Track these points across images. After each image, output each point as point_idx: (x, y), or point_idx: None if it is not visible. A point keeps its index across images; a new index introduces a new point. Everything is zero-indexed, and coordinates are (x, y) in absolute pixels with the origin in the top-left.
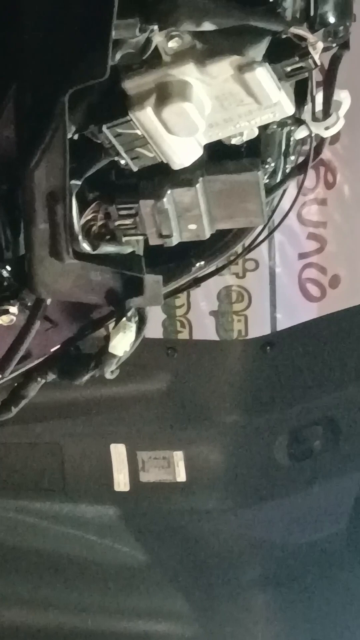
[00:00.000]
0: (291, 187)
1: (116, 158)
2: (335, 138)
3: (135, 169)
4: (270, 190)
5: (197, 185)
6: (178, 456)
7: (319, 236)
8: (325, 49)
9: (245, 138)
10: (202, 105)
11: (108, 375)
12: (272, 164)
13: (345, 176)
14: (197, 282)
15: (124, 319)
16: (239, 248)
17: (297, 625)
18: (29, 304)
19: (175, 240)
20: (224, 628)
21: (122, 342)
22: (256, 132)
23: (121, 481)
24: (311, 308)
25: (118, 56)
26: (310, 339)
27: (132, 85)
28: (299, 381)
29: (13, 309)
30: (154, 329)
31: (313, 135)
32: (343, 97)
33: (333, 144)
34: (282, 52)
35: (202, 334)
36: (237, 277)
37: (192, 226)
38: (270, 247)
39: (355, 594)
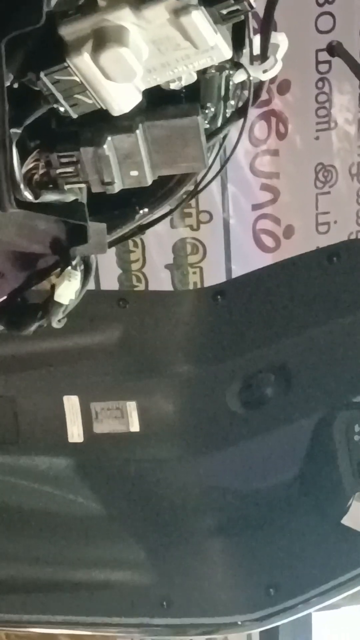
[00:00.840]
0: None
1: (55, 105)
2: (285, 89)
3: (74, 116)
4: (211, 135)
5: (137, 131)
6: (131, 406)
7: (272, 187)
8: None
9: (183, 83)
10: (139, 50)
11: (55, 325)
12: (212, 109)
13: (297, 126)
14: (141, 229)
15: (69, 267)
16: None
17: (253, 571)
18: None
19: (117, 187)
20: (180, 575)
21: (68, 291)
22: (195, 77)
23: (75, 432)
24: (266, 258)
25: (53, 2)
26: (262, 286)
27: (68, 31)
28: (250, 329)
29: None
30: (110, 284)
31: (251, 78)
32: (280, 39)
33: (283, 94)
34: None
35: (158, 287)
36: (191, 230)
37: (134, 173)
38: (223, 199)
39: (310, 539)
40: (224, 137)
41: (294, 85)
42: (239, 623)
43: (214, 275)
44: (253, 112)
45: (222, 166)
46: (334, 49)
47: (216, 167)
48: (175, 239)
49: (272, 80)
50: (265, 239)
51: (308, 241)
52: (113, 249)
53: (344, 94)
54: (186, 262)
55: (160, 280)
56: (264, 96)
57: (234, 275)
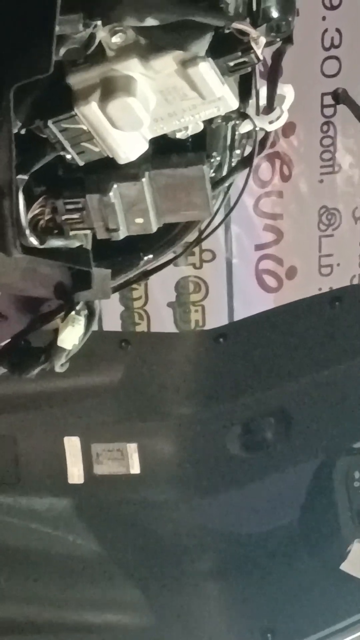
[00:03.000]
0: (251, 183)
1: (62, 153)
2: (290, 131)
3: (81, 163)
4: (216, 184)
5: (143, 180)
6: (132, 448)
7: (275, 228)
8: (268, 44)
9: (190, 132)
10: (146, 99)
11: (58, 369)
12: (218, 158)
13: (301, 169)
14: (146, 275)
15: (73, 312)
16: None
17: (251, 615)
18: None
19: (122, 234)
20: (177, 618)
21: (71, 336)
22: (201, 126)
23: (75, 474)
24: (268, 298)
25: (62, 51)
26: (264, 330)
27: (76, 80)
28: (251, 372)
29: None
30: (113, 322)
31: (258, 129)
32: (286, 91)
33: (288, 137)
34: (225, 47)
35: (160, 326)
36: (194, 268)
37: (139, 220)
38: (227, 238)
39: (306, 585)
40: (229, 186)
41: (299, 128)
42: None
43: (216, 314)
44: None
45: (227, 214)
46: (339, 96)
47: (220, 213)
48: (178, 277)
49: None
50: (268, 279)
51: (310, 283)
52: None
53: (349, 137)
54: (188, 300)
55: (162, 318)
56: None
57: (235, 315)
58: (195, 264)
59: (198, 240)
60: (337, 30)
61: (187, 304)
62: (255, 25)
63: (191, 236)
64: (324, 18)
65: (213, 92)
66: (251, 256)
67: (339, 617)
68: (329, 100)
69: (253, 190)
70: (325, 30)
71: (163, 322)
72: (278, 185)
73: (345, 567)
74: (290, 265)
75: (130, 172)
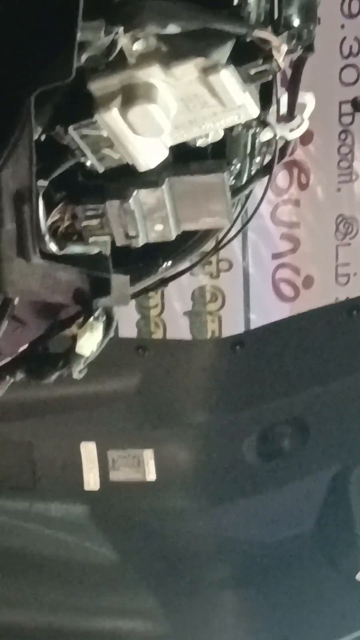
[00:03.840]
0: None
1: (82, 159)
2: (308, 139)
3: (101, 170)
4: (236, 191)
5: (163, 187)
6: (148, 455)
7: (292, 237)
8: (289, 52)
9: (210, 140)
10: (167, 106)
11: (76, 375)
12: (238, 166)
13: (318, 177)
14: (164, 282)
15: (91, 318)
16: (207, 248)
17: (266, 625)
18: None
19: (141, 241)
20: (192, 627)
21: (89, 342)
22: (221, 134)
23: (91, 480)
24: (284, 308)
25: (84, 58)
26: (280, 338)
27: (97, 86)
28: (268, 381)
29: None
30: (129, 330)
31: (278, 137)
32: (307, 99)
33: (306, 145)
34: (246, 54)
35: (176, 334)
36: (211, 277)
37: (159, 227)
38: (244, 247)
39: (323, 594)
40: (249, 194)
41: (316, 136)
42: None
43: (233, 324)
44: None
45: (245, 224)
46: (359, 105)
47: (239, 222)
48: (195, 286)
49: None
50: (285, 288)
51: (327, 292)
52: None
53: None
54: (205, 309)
55: (178, 327)
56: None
57: (252, 324)
58: (212, 274)
59: (216, 248)
60: (356, 38)
61: (204, 313)
62: (276, 33)
63: (209, 244)
64: (342, 26)
65: (234, 99)
66: (268, 265)
67: (355, 627)
68: (347, 108)
69: (270, 198)
70: (344, 39)
71: (179, 331)
72: (295, 194)
73: None
74: (307, 274)
75: (150, 179)
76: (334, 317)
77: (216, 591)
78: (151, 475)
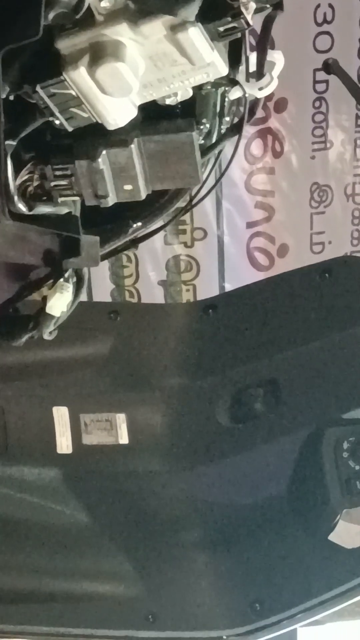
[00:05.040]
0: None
1: (51, 118)
2: (282, 107)
3: (70, 129)
4: (205, 150)
5: (132, 146)
6: (121, 418)
7: (267, 205)
8: (258, 10)
9: (179, 98)
10: (135, 65)
11: (46, 336)
12: (207, 125)
13: (293, 145)
14: (134, 243)
15: (61, 279)
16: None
17: (239, 586)
18: None
19: (111, 201)
20: (166, 589)
21: (59, 303)
22: (190, 93)
23: (64, 444)
24: (259, 277)
25: (51, 16)
26: (253, 301)
27: (65, 45)
28: (241, 344)
29: None
30: (103, 299)
31: (247, 95)
32: (276, 57)
33: (280, 113)
34: (214, 12)
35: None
36: (186, 247)
37: (128, 187)
38: (218, 216)
39: (296, 555)
40: (219, 153)
41: (290, 104)
42: (224, 638)
43: (207, 293)
44: (249, 130)
45: (217, 182)
46: (330, 67)
47: (210, 182)
48: (169, 255)
49: (268, 98)
50: (259, 257)
51: (302, 260)
52: (106, 264)
53: (341, 114)
54: (180, 279)
55: (153, 297)
56: (260, 114)
57: None
58: (186, 243)
59: (187, 208)
60: (330, 5)
61: (178, 282)
62: None
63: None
64: None
65: (202, 57)
66: (242, 234)
67: (327, 587)
68: (321, 75)
69: (244, 166)
70: (318, 6)
71: (154, 300)
72: (270, 162)
73: (333, 537)
74: (282, 243)
75: (119, 139)
76: (306, 280)
77: (190, 553)
78: (124, 439)
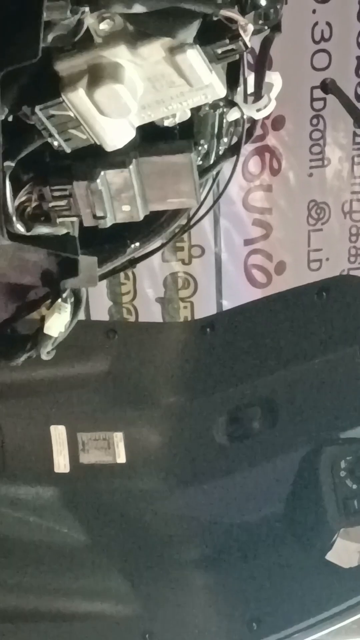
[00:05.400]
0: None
1: (49, 139)
2: (280, 125)
3: (68, 150)
4: (203, 171)
5: (130, 167)
6: (118, 437)
7: (264, 222)
8: (256, 32)
9: (177, 120)
10: (134, 86)
11: (44, 356)
12: (205, 146)
13: (290, 163)
14: (132, 263)
15: (59, 299)
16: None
17: (236, 605)
18: None
19: (109, 222)
20: (163, 607)
21: (57, 323)
22: (189, 114)
23: (61, 462)
24: (257, 294)
25: (50, 38)
26: (251, 320)
27: (64, 66)
28: (238, 362)
29: None
30: (101, 316)
31: (245, 117)
32: (274, 79)
33: (278, 130)
34: (213, 34)
35: (149, 321)
36: (183, 264)
37: (126, 207)
38: (215, 233)
39: (293, 574)
40: (217, 174)
41: (288, 122)
42: None
43: (205, 310)
44: (247, 148)
45: (215, 202)
46: (328, 87)
47: (208, 202)
48: (167, 272)
49: (266, 116)
50: (257, 274)
51: (299, 278)
52: (104, 281)
53: (338, 131)
54: (177, 296)
55: (151, 314)
56: (258, 131)
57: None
58: (184, 260)
59: (185, 228)
60: (328, 23)
61: (176, 299)
62: (243, 12)
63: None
64: (314, 11)
65: (201, 79)
66: (240, 251)
67: (325, 606)
68: (318, 93)
69: (242, 184)
70: (316, 24)
71: (152, 317)
72: (267, 179)
73: (331, 556)
74: (280, 260)
75: (117, 160)
76: (303, 299)
77: (187, 572)
78: (121, 458)
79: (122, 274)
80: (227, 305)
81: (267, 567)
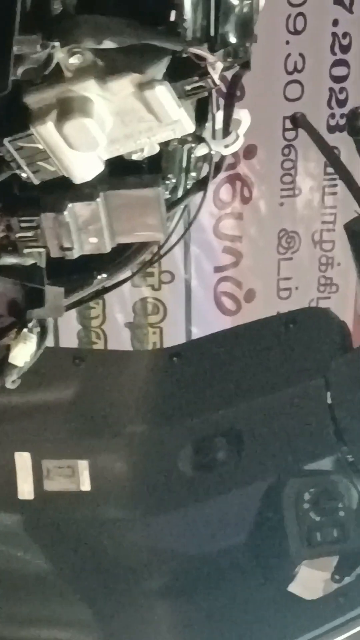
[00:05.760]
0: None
1: (17, 171)
2: (251, 154)
3: (36, 182)
4: (171, 205)
5: (98, 200)
6: (83, 465)
7: (234, 250)
8: (226, 69)
9: (146, 154)
10: (102, 121)
11: (9, 385)
12: (173, 180)
13: (261, 191)
14: (99, 294)
15: (25, 329)
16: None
17: (199, 635)
18: None
19: (76, 253)
20: (126, 637)
21: (23, 353)
22: (157, 149)
23: (25, 489)
24: (226, 321)
25: (20, 71)
26: (219, 350)
27: (33, 100)
28: (205, 392)
29: None
30: (70, 340)
31: (213, 152)
32: (242, 115)
33: (249, 159)
34: (182, 71)
35: (118, 346)
36: (153, 289)
37: (94, 239)
38: (186, 260)
39: (256, 605)
40: (185, 208)
41: (260, 151)
42: None
43: (174, 336)
44: (219, 176)
45: (185, 231)
46: (297, 121)
47: (179, 231)
48: (137, 297)
49: None
50: (226, 301)
51: (269, 306)
52: None
53: (310, 161)
54: (146, 321)
55: (120, 339)
56: (229, 160)
57: (193, 337)
58: (153, 285)
59: (152, 261)
60: (301, 54)
61: (145, 325)
62: (212, 50)
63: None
64: (287, 42)
65: (169, 115)
66: (210, 278)
67: (287, 637)
68: (290, 123)
69: (213, 212)
70: (289, 55)
71: (121, 342)
72: (238, 207)
73: (293, 588)
74: (249, 288)
75: (85, 192)
76: (272, 330)
77: (151, 602)
78: (86, 486)
79: None
80: (195, 332)
81: (231, 597)
